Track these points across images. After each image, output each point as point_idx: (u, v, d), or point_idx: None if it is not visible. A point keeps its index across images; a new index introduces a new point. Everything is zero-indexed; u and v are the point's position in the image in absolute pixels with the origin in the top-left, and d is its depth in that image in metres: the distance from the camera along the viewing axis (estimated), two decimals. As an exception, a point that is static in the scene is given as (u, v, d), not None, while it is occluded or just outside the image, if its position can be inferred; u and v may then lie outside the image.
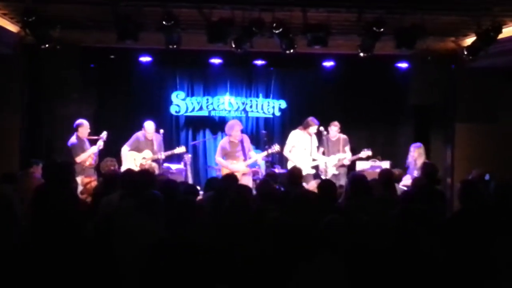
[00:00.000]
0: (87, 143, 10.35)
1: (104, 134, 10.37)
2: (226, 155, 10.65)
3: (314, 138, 11.02)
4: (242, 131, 10.88)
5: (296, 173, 7.97)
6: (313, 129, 10.87)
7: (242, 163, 10.51)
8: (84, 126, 10.32)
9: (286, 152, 10.99)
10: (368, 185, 6.76)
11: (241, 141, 10.67)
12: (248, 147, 10.77)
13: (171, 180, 7.35)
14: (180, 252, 3.74)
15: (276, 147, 10.62)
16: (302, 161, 10.56)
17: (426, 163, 8.64)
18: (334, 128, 11.12)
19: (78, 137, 10.27)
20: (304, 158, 10.80)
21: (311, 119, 10.89)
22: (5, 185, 7.37)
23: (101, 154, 10.26)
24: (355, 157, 10.99)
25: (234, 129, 10.57)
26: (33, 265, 4.87)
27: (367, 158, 10.87)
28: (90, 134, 10.45)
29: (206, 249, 4.44)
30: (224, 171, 10.32)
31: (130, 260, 5.03)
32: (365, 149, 10.92)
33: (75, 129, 10.29)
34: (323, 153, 11.01)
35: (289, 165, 10.92)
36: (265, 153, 10.66)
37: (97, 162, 10.19)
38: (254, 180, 10.47)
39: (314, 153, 10.99)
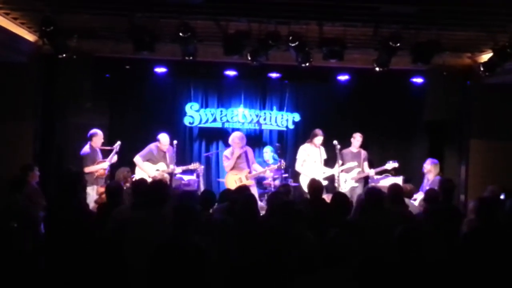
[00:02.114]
0: (99, 154, 10.36)
1: (117, 145, 10.38)
2: (234, 165, 10.81)
3: (322, 150, 11.03)
4: (246, 144, 11.01)
5: (315, 185, 7.87)
6: (318, 139, 10.88)
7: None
8: (98, 136, 10.35)
9: (298, 167, 11.02)
10: (382, 199, 6.72)
11: (245, 153, 10.71)
12: (251, 160, 10.84)
13: (187, 192, 7.36)
14: (180, 257, 3.73)
15: (282, 164, 10.62)
16: (314, 174, 10.53)
17: (443, 179, 8.55)
18: (359, 139, 11.11)
19: (91, 147, 10.29)
20: (316, 170, 10.78)
21: (316, 130, 10.93)
22: (15, 194, 7.35)
23: (115, 164, 10.29)
24: (380, 168, 10.94)
25: (234, 141, 10.76)
26: (44, 269, 4.89)
27: (393, 171, 10.80)
28: (103, 144, 10.46)
29: (208, 255, 4.43)
30: (227, 179, 10.63)
31: (142, 270, 5.01)
32: (391, 161, 10.86)
33: (89, 139, 10.32)
34: (341, 165, 10.93)
35: (301, 179, 10.93)
36: (274, 166, 10.70)
37: (109, 171, 10.18)
38: (266, 192, 10.48)
39: (323, 166, 10.95)
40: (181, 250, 3.74)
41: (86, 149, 10.26)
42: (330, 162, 11.10)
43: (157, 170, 10.56)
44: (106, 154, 10.42)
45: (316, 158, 10.93)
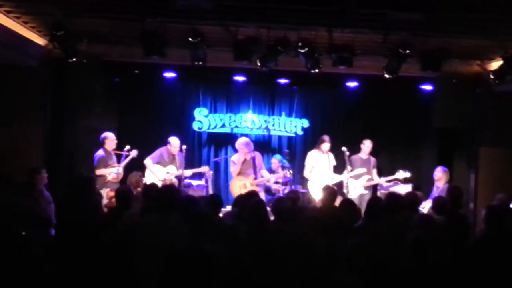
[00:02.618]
0: (113, 158, 10.42)
1: (134, 153, 10.43)
2: (239, 171, 10.85)
3: (331, 156, 11.01)
4: (254, 149, 10.99)
5: (329, 191, 7.82)
6: (325, 146, 10.87)
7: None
8: (109, 139, 10.42)
9: (306, 173, 11.02)
10: (383, 208, 6.71)
11: (253, 159, 10.71)
12: (259, 166, 10.83)
13: (190, 196, 7.35)
14: (193, 264, 3.73)
15: (288, 172, 10.63)
16: (323, 180, 10.51)
17: (451, 186, 8.51)
18: (369, 145, 11.10)
19: (105, 151, 10.36)
20: (324, 177, 10.76)
21: (324, 136, 10.93)
22: (23, 197, 7.35)
23: (126, 167, 10.35)
24: (390, 177, 10.90)
25: (239, 146, 10.80)
26: (53, 274, 4.90)
27: (405, 180, 10.77)
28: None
29: (221, 262, 4.43)
30: (232, 184, 10.73)
31: (152, 275, 5.02)
32: (401, 170, 10.81)
33: (102, 143, 10.37)
34: (350, 171, 10.90)
35: (310, 186, 10.92)
36: (280, 174, 10.70)
37: (122, 175, 10.22)
38: (274, 199, 10.45)
39: (331, 172, 10.94)
40: (196, 258, 3.74)
41: (99, 152, 10.32)
42: (339, 168, 11.07)
43: (167, 173, 10.58)
44: (119, 158, 10.50)
45: (325, 164, 10.92)
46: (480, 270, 5.23)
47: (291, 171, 10.76)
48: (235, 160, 10.90)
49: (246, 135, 11.87)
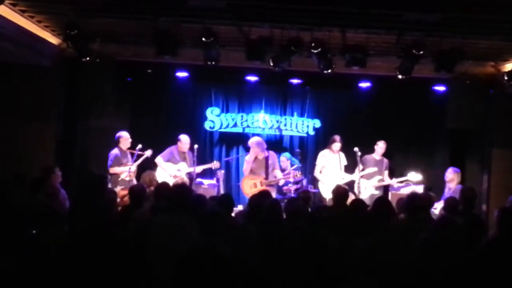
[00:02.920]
0: (128, 157, 10.47)
1: (149, 152, 10.45)
2: (250, 170, 10.79)
3: (342, 156, 10.99)
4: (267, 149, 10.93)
5: (340, 191, 7.80)
6: (336, 145, 10.86)
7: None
8: (124, 138, 10.46)
9: (316, 173, 11.01)
10: (391, 209, 6.69)
11: (266, 158, 10.69)
12: (272, 166, 10.78)
13: (201, 196, 7.36)
14: (206, 263, 3.73)
15: (297, 174, 10.63)
16: (334, 180, 10.48)
17: (465, 187, 8.45)
18: (382, 146, 11.06)
19: (120, 149, 10.40)
20: (335, 177, 10.74)
21: (334, 136, 10.93)
22: (36, 194, 7.39)
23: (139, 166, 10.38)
24: (402, 179, 10.86)
25: (251, 145, 10.81)
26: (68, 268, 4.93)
27: (416, 182, 10.72)
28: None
29: (233, 262, 4.43)
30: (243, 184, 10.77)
31: (165, 274, 5.03)
32: (413, 172, 10.75)
33: (117, 141, 10.42)
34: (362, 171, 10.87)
35: (320, 186, 10.90)
36: (289, 176, 10.69)
37: (135, 174, 10.24)
38: (285, 198, 10.43)
39: (342, 172, 10.92)
40: (207, 258, 3.74)
41: (114, 151, 10.37)
42: (350, 168, 11.06)
43: (178, 170, 10.60)
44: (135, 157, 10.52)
45: (335, 164, 10.89)
46: (492, 272, 5.19)
47: (299, 172, 10.75)
48: (247, 158, 10.91)
49: (258, 135, 11.85)
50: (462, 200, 7.45)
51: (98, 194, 7.11)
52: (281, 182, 10.82)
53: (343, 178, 10.81)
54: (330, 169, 10.90)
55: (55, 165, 9.03)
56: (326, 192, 10.62)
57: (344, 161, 11.00)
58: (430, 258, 5.06)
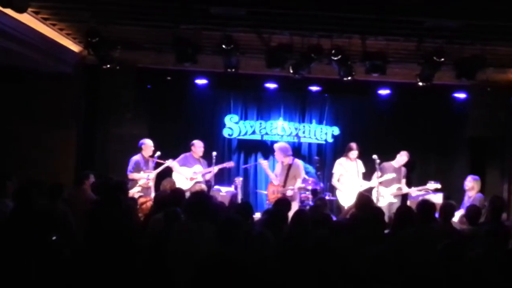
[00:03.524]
0: (149, 164, 10.48)
1: (170, 162, 10.50)
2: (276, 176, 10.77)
3: (360, 163, 10.91)
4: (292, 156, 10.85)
5: (363, 199, 7.76)
6: (353, 153, 10.79)
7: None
8: (147, 145, 10.48)
9: (334, 182, 10.95)
10: (412, 217, 6.63)
11: (289, 166, 10.61)
12: (293, 174, 10.57)
13: (221, 203, 7.38)
14: (222, 269, 3.73)
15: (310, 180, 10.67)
16: (352, 188, 10.42)
17: (494, 196, 8.27)
18: (404, 158, 10.96)
19: (142, 157, 10.43)
20: (353, 184, 10.68)
21: (351, 143, 10.87)
22: (55, 200, 7.42)
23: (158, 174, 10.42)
24: (421, 187, 10.76)
25: (275, 151, 10.75)
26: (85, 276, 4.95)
27: (435, 190, 10.63)
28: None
29: (250, 269, 4.43)
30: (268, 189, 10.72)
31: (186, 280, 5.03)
32: (432, 182, 10.64)
33: (140, 148, 10.46)
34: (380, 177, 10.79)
35: (338, 194, 10.85)
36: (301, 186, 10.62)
37: (153, 182, 10.28)
38: (304, 206, 10.40)
39: (360, 179, 10.85)
40: (225, 265, 3.74)
41: (136, 157, 10.39)
42: (367, 175, 10.99)
43: (194, 172, 10.63)
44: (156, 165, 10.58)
45: (353, 172, 10.83)
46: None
47: (311, 179, 10.72)
48: (277, 164, 10.92)
49: (277, 142, 11.83)
50: (490, 209, 7.36)
51: (117, 201, 7.13)
52: (289, 193, 10.39)
53: (361, 185, 10.75)
54: (348, 177, 10.84)
55: (89, 172, 9.06)
56: (344, 200, 10.59)
57: (362, 169, 10.93)
58: (450, 266, 5.03)
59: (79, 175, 8.92)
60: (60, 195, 7.61)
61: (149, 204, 8.51)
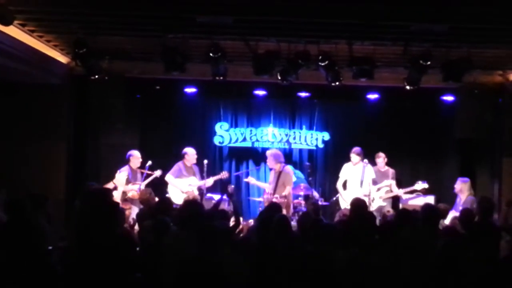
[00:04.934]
0: (137, 176, 10.41)
1: (158, 173, 10.49)
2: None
3: (368, 169, 10.68)
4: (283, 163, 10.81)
5: (358, 204, 7.75)
6: (354, 158, 10.75)
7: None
8: (134, 156, 10.42)
9: (338, 185, 10.94)
10: (414, 218, 6.65)
11: (279, 173, 10.59)
12: (282, 182, 10.50)
13: (208, 211, 7.39)
14: (202, 273, 3.76)
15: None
16: (352, 193, 10.36)
17: (482, 198, 8.32)
18: (381, 158, 10.98)
19: (130, 169, 10.36)
20: (355, 190, 10.62)
21: (353, 148, 10.84)
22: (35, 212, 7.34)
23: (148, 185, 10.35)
24: (409, 189, 10.76)
25: (268, 159, 10.73)
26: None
27: (423, 191, 10.64)
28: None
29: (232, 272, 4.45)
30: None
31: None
32: (420, 182, 10.65)
33: (127, 160, 10.39)
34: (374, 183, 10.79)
35: (339, 198, 10.82)
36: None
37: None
38: (296, 212, 10.41)
39: (366, 185, 10.62)
40: (205, 268, 3.76)
41: (123, 169, 10.29)
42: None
43: (190, 185, 10.61)
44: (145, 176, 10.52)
45: (356, 177, 10.74)
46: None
47: (302, 185, 10.74)
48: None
49: (267, 149, 11.84)
50: (479, 211, 7.39)
51: (103, 210, 7.06)
52: (278, 200, 10.09)
53: (364, 193, 10.57)
54: (352, 182, 10.81)
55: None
56: (343, 204, 10.54)
57: (372, 175, 10.68)
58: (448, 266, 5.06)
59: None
60: (40, 207, 7.49)
61: (128, 212, 8.50)
